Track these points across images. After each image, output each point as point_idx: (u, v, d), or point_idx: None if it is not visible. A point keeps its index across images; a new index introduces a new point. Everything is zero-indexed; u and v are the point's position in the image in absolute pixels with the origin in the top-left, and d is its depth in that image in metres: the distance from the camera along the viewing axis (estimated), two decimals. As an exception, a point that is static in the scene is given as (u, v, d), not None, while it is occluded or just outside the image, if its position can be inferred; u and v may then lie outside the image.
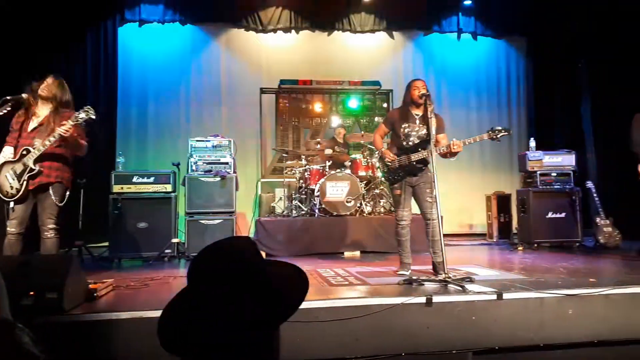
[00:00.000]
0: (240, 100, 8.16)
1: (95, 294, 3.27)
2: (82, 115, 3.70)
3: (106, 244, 5.85)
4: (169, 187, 5.79)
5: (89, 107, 3.74)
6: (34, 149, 3.70)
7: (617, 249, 6.02)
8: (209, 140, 6.12)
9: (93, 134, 4.07)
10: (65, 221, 3.96)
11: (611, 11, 6.99)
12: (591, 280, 3.83)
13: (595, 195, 6.38)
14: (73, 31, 7.05)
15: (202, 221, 5.77)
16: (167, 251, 5.57)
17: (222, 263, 1.12)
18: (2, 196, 3.70)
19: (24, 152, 3.71)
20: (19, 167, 3.71)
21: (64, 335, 2.77)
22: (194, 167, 5.96)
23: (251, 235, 6.21)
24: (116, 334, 2.83)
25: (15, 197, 3.70)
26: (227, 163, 6.01)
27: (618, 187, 6.64)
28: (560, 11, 7.74)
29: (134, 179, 5.74)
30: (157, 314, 2.96)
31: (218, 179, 5.88)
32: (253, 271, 1.13)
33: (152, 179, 5.77)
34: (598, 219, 6.27)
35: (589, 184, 6.48)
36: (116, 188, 5.67)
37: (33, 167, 3.70)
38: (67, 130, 3.65)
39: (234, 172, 6.02)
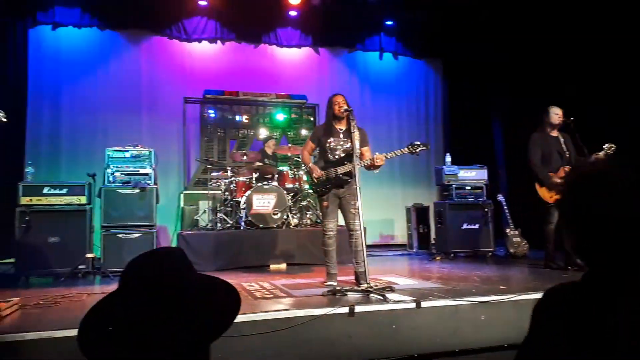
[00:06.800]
0: (162, 109, 7.90)
1: (-3, 315, 3.02)
2: None
3: (12, 260, 5.40)
4: (83, 199, 5.47)
5: None
6: None
7: (524, 258, 6.46)
8: (127, 151, 5.87)
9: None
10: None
11: (517, 39, 7.57)
12: (501, 287, 4.09)
13: (505, 207, 6.83)
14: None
15: (120, 235, 5.50)
16: (81, 267, 5.23)
17: (154, 271, 1.10)
18: None
19: None
20: None
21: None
22: (110, 178, 5.68)
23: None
24: (21, 356, 2.62)
25: None
26: (147, 174, 5.78)
27: (526, 200, 7.17)
28: (473, 37, 8.28)
29: (45, 191, 5.36)
30: (67, 333, 2.79)
31: (137, 190, 5.65)
32: (186, 282, 1.12)
33: (65, 191, 5.42)
34: (508, 230, 6.71)
35: (500, 197, 6.93)
36: (24, 200, 5.27)
37: None
38: None
39: (155, 183, 5.81)
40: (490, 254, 6.71)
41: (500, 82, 8.39)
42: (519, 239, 6.64)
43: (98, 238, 5.59)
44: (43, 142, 7.31)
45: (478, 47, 8.32)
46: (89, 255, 5.34)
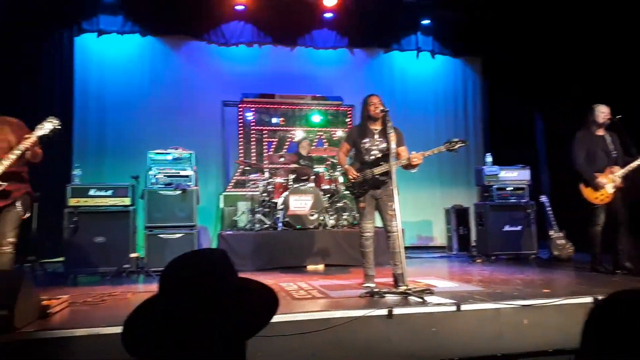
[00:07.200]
0: (201, 112, 8.07)
1: (48, 311, 3.16)
2: (48, 126, 3.59)
3: (61, 259, 5.64)
4: (127, 201, 5.64)
5: (52, 117, 3.64)
6: None
7: (569, 261, 6.25)
8: (169, 153, 6.01)
9: (47, 144, 3.92)
10: (18, 236, 3.80)
11: (560, 37, 7.35)
12: (545, 291, 3.97)
13: (548, 208, 6.63)
14: (26, 39, 6.82)
15: (162, 235, 5.64)
16: (125, 266, 5.40)
17: (193, 272, 1.14)
18: None
19: None
20: None
21: (15, 354, 2.65)
22: (153, 180, 5.83)
23: (212, 249, 6.11)
24: (71, 351, 2.73)
25: None
26: (187, 176, 5.90)
27: (570, 201, 6.95)
28: (512, 34, 8.07)
29: (91, 192, 5.56)
30: (114, 330, 2.89)
31: (178, 192, 5.78)
32: (223, 283, 1.15)
33: (110, 192, 5.61)
34: (551, 232, 6.51)
35: (543, 198, 6.73)
36: (72, 201, 5.48)
37: (1, 183, 3.54)
38: (33, 144, 3.54)
39: (195, 185, 5.92)
40: (533, 256, 6.53)
41: (542, 80, 8.15)
42: (563, 241, 6.43)
43: (141, 238, 5.76)
44: (89, 145, 7.59)
45: (518, 44, 8.11)
46: (133, 255, 5.50)
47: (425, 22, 8.75)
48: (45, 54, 7.19)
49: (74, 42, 7.55)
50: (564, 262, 6.20)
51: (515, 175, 6.83)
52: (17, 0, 6.54)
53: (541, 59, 7.99)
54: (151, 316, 1.14)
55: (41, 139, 3.65)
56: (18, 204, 3.68)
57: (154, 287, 4.86)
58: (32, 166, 3.87)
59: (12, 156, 3.52)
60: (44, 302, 3.22)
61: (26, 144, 3.54)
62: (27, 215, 3.79)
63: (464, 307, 3.31)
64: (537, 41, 7.79)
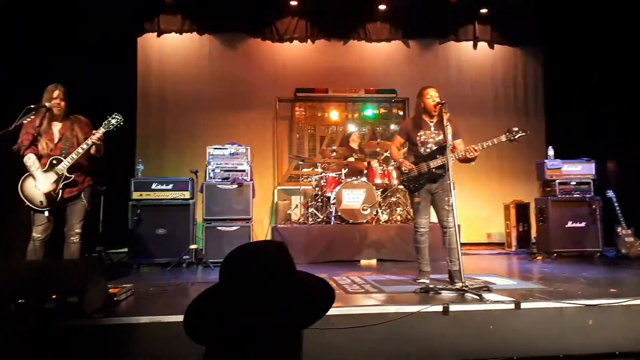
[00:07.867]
0: (256, 108, 8.23)
1: (115, 299, 3.33)
2: (114, 122, 3.84)
3: (126, 249, 5.93)
4: (187, 194, 5.86)
5: (116, 114, 3.86)
6: (65, 158, 3.78)
7: (638, 259, 5.91)
8: (226, 148, 6.18)
9: (113, 140, 4.15)
10: (85, 227, 4.05)
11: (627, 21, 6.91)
12: (612, 290, 3.78)
13: (616, 204, 6.28)
14: (90, 39, 7.16)
15: (220, 228, 5.81)
16: (185, 257, 5.61)
17: (250, 264, 1.18)
18: (34, 207, 3.76)
19: (54, 162, 3.79)
20: (51, 177, 3.78)
21: (85, 338, 2.82)
22: (211, 175, 6.02)
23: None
24: (135, 337, 2.87)
25: (51, 207, 3.78)
26: (244, 170, 6.05)
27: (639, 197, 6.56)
28: (576, 21, 7.66)
29: (153, 186, 5.83)
30: (176, 318, 3.01)
31: (235, 186, 5.93)
32: (280, 274, 1.18)
33: (170, 186, 5.84)
34: (619, 229, 6.17)
35: (610, 193, 6.38)
36: (135, 195, 5.76)
37: (69, 176, 3.79)
38: (100, 139, 3.77)
39: (251, 179, 6.06)
40: (598, 254, 6.22)
41: (608, 70, 7.69)
42: (632, 239, 6.08)
43: (200, 230, 5.95)
44: (151, 141, 7.94)
45: (582, 32, 7.69)
46: (192, 246, 5.71)
47: (483, 10, 8.47)
48: (111, 53, 7.53)
49: (136, 42, 7.89)
50: (632, 261, 5.87)
51: (579, 169, 6.51)
52: (89, 4, 6.90)
53: (606, 48, 7.54)
54: (211, 305, 1.18)
55: (106, 134, 3.86)
56: (83, 196, 3.92)
57: (211, 278, 5.00)
58: (99, 161, 4.10)
59: (80, 150, 3.78)
60: (111, 290, 3.40)
61: (93, 138, 3.78)
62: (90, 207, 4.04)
63: (523, 306, 3.20)
64: (604, 28, 7.36)
